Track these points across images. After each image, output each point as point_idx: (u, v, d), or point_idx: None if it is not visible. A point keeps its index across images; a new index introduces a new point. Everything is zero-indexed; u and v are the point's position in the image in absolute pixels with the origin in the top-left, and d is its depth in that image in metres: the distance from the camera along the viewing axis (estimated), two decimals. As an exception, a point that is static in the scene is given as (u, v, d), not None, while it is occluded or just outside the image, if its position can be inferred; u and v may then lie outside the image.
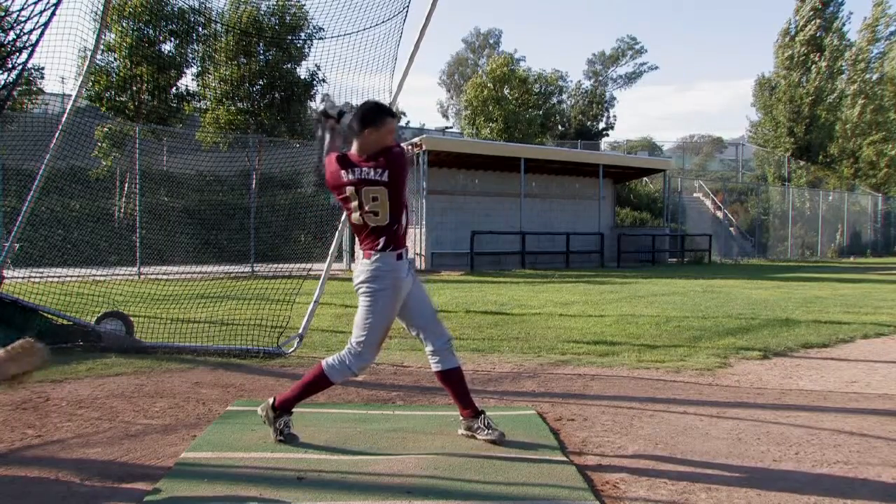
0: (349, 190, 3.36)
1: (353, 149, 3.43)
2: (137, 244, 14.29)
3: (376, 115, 3.36)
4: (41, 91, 15.92)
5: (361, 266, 3.41)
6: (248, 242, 15.47)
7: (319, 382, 3.53)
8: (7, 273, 7.03)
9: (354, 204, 3.37)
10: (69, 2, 5.57)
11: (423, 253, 18.16)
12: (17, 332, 5.62)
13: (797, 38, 34.80)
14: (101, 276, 10.75)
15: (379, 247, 3.36)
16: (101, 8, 6.21)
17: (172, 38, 17.89)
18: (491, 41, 52.37)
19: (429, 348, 3.57)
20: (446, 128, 44.67)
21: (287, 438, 3.50)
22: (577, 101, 46.12)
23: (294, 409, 3.58)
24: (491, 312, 8.97)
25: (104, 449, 3.42)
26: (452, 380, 3.59)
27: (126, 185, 16.12)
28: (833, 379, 5.32)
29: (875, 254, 33.18)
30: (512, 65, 32.69)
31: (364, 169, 3.33)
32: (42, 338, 3.06)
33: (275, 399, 3.56)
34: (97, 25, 6.56)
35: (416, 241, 17.96)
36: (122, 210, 15.95)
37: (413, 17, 7.91)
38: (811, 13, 34.68)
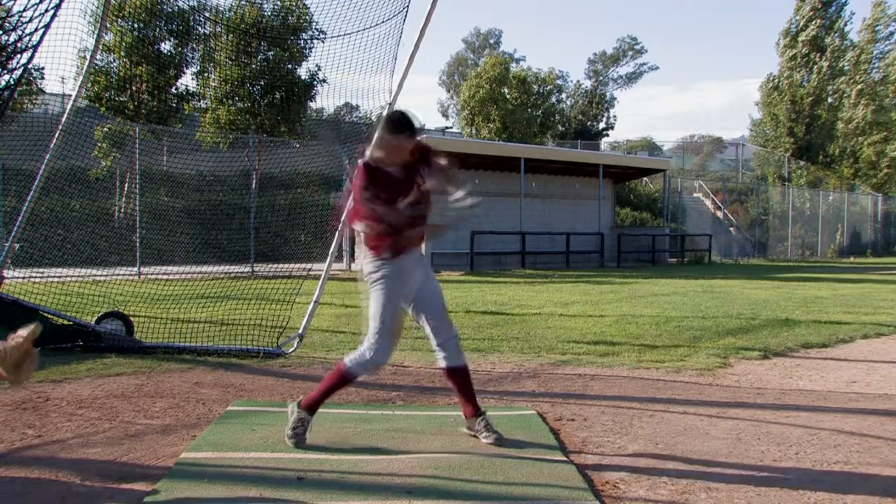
0: None
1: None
2: (137, 244, 14.28)
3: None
4: (41, 91, 15.90)
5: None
6: (248, 242, 15.46)
7: (343, 380, 3.52)
8: (7, 273, 7.03)
9: None
10: (69, 2, 5.58)
11: (422, 253, 18.16)
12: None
13: (799, 38, 34.78)
14: (101, 276, 10.75)
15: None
16: (101, 9, 6.21)
17: (172, 38, 17.86)
18: (491, 41, 52.35)
19: (436, 342, 3.56)
20: (446, 128, 44.61)
21: (297, 439, 3.43)
22: (577, 101, 46.10)
23: None
24: (491, 312, 8.97)
25: (104, 449, 3.42)
26: (459, 377, 3.59)
27: (126, 185, 16.12)
28: (833, 379, 5.32)
29: (875, 254, 33.15)
30: (507, 65, 32.63)
31: None
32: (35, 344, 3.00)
33: (301, 401, 3.55)
34: (97, 25, 6.56)
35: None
36: (122, 210, 15.94)
37: (413, 17, 7.91)
38: (811, 13, 34.66)
